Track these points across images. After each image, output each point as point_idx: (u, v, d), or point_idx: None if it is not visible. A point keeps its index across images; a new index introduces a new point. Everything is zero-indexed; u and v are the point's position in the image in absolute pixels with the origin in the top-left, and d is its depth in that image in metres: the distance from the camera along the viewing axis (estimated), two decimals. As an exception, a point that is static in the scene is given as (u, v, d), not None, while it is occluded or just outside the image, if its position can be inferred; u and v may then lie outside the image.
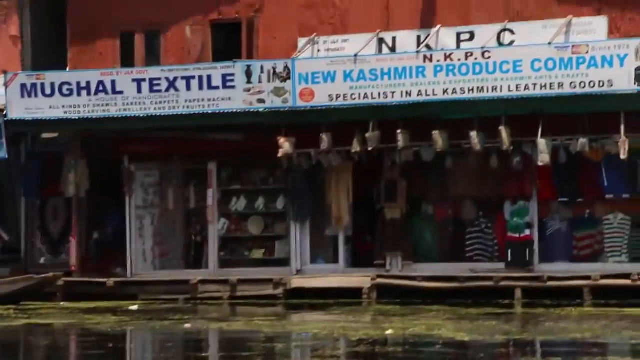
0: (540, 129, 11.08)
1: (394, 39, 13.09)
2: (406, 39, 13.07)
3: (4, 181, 14.48)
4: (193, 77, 12.65)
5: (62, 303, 12.68)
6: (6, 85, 12.99)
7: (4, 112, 13.06)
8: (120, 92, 12.79)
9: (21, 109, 13.07)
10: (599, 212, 12.18)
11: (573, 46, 11.46)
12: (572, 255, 12.28)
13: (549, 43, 11.71)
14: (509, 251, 11.95)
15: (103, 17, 14.44)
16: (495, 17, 12.92)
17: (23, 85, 13.08)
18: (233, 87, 12.51)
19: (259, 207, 13.51)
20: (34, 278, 12.86)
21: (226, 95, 12.49)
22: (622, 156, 10.87)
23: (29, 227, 14.26)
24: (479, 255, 12.35)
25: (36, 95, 13.01)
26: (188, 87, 12.59)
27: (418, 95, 11.74)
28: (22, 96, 13.06)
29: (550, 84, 11.24)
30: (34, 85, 13.04)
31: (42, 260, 14.14)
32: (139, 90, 12.85)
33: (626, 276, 11.27)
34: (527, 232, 11.85)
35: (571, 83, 11.13)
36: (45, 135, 14.20)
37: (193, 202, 13.46)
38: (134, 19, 14.34)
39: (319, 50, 13.29)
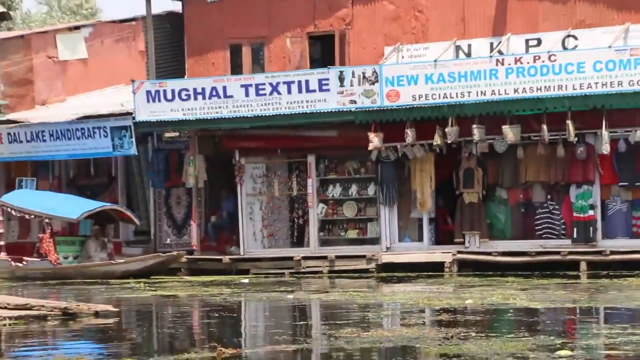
0: (603, 122, 11.78)
1: (469, 45, 13.81)
2: (480, 45, 13.84)
3: (135, 174, 15.38)
4: (293, 82, 13.53)
5: (185, 277, 13.49)
6: (134, 92, 13.95)
7: (133, 115, 13.97)
8: (231, 96, 13.73)
9: (147, 112, 14.03)
10: (655, 195, 12.67)
11: (631, 49, 12.16)
12: (631, 232, 12.78)
13: (609, 46, 12.32)
14: (575, 229, 12.53)
15: (215, 33, 15.17)
16: (559, 25, 13.58)
17: (148, 92, 14.07)
18: (328, 90, 13.26)
19: (353, 194, 14.12)
20: (161, 256, 13.67)
21: (322, 97, 13.33)
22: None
23: (156, 213, 15.16)
24: (548, 234, 12.91)
25: (159, 100, 14.00)
26: (289, 91, 13.49)
27: (491, 94, 12.49)
28: (148, 101, 14.05)
29: (611, 82, 11.89)
30: (157, 91, 14.05)
31: (168, 241, 15.08)
32: (247, 94, 13.74)
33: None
34: (591, 212, 12.41)
35: (630, 81, 11.86)
36: (167, 135, 15.09)
37: (295, 190, 14.17)
38: (242, 33, 15.06)
39: (402, 57, 13.99)
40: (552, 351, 4.17)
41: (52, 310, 7.35)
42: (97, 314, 7.38)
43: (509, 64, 12.37)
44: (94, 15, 30.94)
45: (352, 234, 13.95)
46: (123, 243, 15.25)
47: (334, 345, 5.02)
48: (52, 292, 11.78)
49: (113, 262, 13.86)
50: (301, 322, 7.78)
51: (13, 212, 14.27)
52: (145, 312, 9.54)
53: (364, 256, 13.22)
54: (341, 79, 13.10)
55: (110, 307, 7.92)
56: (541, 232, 12.89)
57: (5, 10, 19.06)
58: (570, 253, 12.24)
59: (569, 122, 11.60)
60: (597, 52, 12.15)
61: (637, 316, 7.30)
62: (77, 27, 17.75)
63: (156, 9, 16.07)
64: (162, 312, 9.41)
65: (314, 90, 13.21)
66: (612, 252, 12.05)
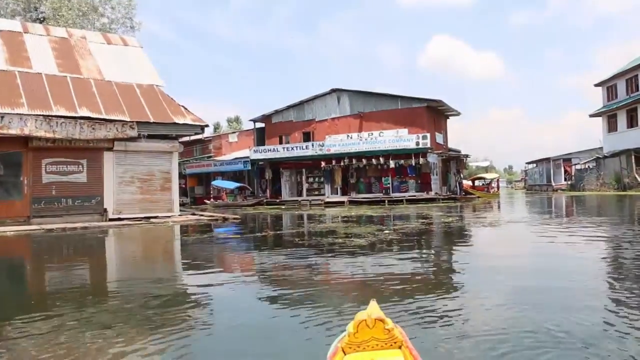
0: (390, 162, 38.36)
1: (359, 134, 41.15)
2: (360, 135, 41.05)
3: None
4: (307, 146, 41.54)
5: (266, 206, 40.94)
6: (253, 151, 43.22)
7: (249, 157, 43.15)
8: (278, 151, 42.22)
9: (256, 155, 42.74)
10: None
11: (399, 135, 38.80)
12: None
13: (394, 135, 39.26)
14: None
15: (275, 132, 44.47)
16: (380, 127, 40.49)
17: (255, 150, 43.02)
18: (308, 148, 41.19)
19: (308, 181, 41.75)
20: (258, 197, 42.11)
21: (308, 152, 41.21)
22: None
23: (260, 187, 44.27)
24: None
25: (260, 152, 42.81)
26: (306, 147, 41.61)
27: (356, 150, 39.52)
28: (255, 152, 42.79)
29: (392, 147, 38.51)
30: (256, 150, 42.93)
31: (260, 195, 43.41)
32: (285, 149, 42.05)
33: None
34: (385, 184, 38.73)
35: (402, 147, 38.34)
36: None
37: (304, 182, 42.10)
38: (282, 133, 44.22)
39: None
40: (381, 230, 13.20)
41: (221, 217, 35.89)
42: (235, 219, 34.58)
43: (365, 139, 39.35)
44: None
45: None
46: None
47: (305, 229, 15.40)
48: (223, 211, 33.13)
49: (242, 202, 41.49)
50: (296, 221, 21.25)
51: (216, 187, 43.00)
52: (250, 217, 25.11)
53: (322, 200, 39.76)
54: (312, 144, 40.53)
55: (237, 216, 35.93)
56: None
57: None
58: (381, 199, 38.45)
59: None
60: (390, 136, 38.70)
61: (405, 217, 19.65)
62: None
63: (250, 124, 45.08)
64: (253, 218, 26.84)
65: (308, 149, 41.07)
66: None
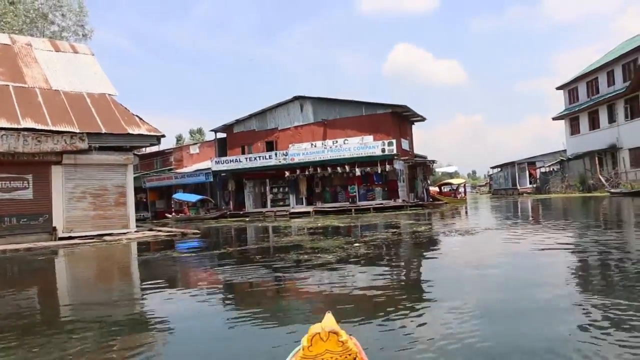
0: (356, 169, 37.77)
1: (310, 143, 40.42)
2: (318, 143, 40.30)
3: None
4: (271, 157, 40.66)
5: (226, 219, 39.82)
6: (215, 162, 41.99)
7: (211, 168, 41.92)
8: (241, 161, 41.18)
9: (217, 167, 41.62)
10: None
11: (364, 142, 38.24)
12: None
13: (358, 142, 38.72)
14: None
15: (236, 142, 43.39)
16: (345, 135, 40.03)
17: (217, 161, 41.87)
18: (271, 158, 40.24)
19: (280, 192, 40.71)
20: (220, 211, 40.86)
21: (270, 161, 40.34)
22: None
23: (220, 199, 42.94)
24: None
25: (222, 163, 41.75)
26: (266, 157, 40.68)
27: (320, 158, 38.74)
28: (217, 164, 41.72)
29: (357, 154, 37.91)
30: (218, 161, 41.82)
31: (223, 207, 42.14)
32: (247, 159, 41.01)
33: None
34: (351, 193, 38.12)
35: (366, 154, 37.79)
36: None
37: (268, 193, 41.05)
38: (243, 143, 43.05)
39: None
40: (350, 243, 11.87)
41: (179, 233, 34.75)
42: (195, 234, 33.33)
43: (330, 147, 38.58)
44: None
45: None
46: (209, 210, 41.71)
47: (269, 244, 14.37)
48: (184, 225, 34.74)
49: (205, 215, 40.18)
50: (260, 234, 20.93)
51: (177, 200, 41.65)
52: (212, 232, 26.63)
53: (287, 211, 38.82)
54: (276, 153, 39.47)
55: (197, 231, 34.79)
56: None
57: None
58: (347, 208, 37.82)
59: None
60: (355, 143, 38.02)
61: (373, 227, 17.97)
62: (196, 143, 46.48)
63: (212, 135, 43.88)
64: (215, 233, 24.67)
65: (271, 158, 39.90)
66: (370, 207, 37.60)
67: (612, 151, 39.22)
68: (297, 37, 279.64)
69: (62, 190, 20.55)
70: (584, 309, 4.93)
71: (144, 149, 42.55)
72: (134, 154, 22.97)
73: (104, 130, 21.03)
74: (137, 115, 23.02)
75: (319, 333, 2.63)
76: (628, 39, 44.83)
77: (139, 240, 19.09)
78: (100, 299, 7.51)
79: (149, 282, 9.14)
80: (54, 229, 20.20)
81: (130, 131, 21.66)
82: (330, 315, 2.99)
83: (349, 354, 2.65)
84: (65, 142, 19.98)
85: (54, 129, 19.95)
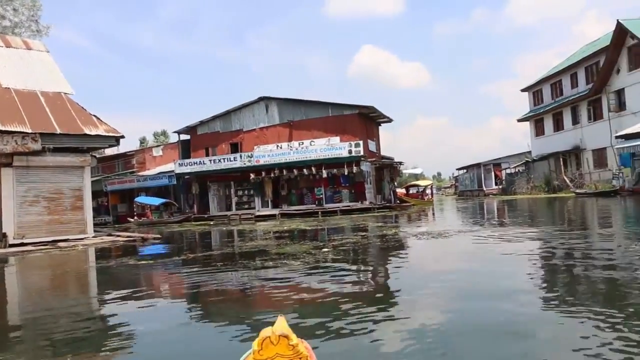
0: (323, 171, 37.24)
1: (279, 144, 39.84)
2: (286, 145, 39.59)
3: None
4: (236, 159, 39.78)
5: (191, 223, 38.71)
6: (178, 164, 40.88)
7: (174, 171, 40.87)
8: (205, 163, 40.22)
9: (180, 169, 40.55)
10: None
11: (331, 144, 37.75)
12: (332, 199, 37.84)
13: (325, 143, 38.21)
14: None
15: (200, 144, 42.43)
16: (311, 136, 39.42)
17: (180, 164, 40.78)
18: (236, 159, 39.41)
19: (248, 194, 39.81)
20: (185, 214, 39.82)
21: (235, 163, 39.43)
22: None
23: (182, 204, 41.84)
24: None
25: (185, 165, 40.66)
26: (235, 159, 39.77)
27: (286, 160, 38.01)
28: (180, 166, 40.64)
29: (324, 156, 37.33)
30: (182, 163, 40.63)
31: (186, 211, 41.07)
32: (212, 162, 40.05)
33: None
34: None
35: (332, 155, 37.22)
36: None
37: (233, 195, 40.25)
38: (208, 145, 42.27)
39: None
40: (318, 248, 11.19)
41: (139, 238, 33.57)
42: (155, 239, 32.50)
43: (296, 148, 37.91)
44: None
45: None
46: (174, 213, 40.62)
47: (233, 249, 13.42)
48: (147, 230, 31.93)
49: (169, 219, 39.12)
50: (224, 239, 19.40)
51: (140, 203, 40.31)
52: (174, 236, 24.50)
53: (252, 214, 37.96)
54: (240, 155, 38.74)
55: (158, 235, 33.80)
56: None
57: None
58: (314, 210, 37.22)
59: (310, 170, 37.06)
60: (321, 145, 37.46)
61: (341, 230, 17.31)
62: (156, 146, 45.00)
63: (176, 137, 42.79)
64: (177, 237, 24.67)
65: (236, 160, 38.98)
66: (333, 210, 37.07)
67: (576, 152, 39.71)
68: (264, 38, 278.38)
69: (12, 194, 19.44)
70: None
71: (103, 150, 41.25)
72: (93, 156, 21.90)
73: (58, 131, 20.02)
74: (95, 115, 22.02)
75: (269, 337, 2.60)
76: (590, 42, 45.56)
77: (96, 246, 18.16)
78: (50, 311, 6.75)
79: (103, 292, 8.40)
80: (4, 235, 19.09)
81: (87, 131, 20.68)
82: (283, 318, 2.93)
83: (300, 358, 2.63)
84: (16, 143, 18.91)
85: (3, 128, 18.85)
